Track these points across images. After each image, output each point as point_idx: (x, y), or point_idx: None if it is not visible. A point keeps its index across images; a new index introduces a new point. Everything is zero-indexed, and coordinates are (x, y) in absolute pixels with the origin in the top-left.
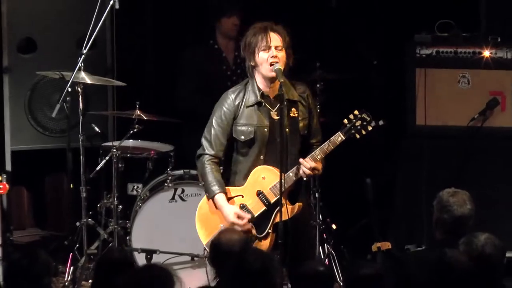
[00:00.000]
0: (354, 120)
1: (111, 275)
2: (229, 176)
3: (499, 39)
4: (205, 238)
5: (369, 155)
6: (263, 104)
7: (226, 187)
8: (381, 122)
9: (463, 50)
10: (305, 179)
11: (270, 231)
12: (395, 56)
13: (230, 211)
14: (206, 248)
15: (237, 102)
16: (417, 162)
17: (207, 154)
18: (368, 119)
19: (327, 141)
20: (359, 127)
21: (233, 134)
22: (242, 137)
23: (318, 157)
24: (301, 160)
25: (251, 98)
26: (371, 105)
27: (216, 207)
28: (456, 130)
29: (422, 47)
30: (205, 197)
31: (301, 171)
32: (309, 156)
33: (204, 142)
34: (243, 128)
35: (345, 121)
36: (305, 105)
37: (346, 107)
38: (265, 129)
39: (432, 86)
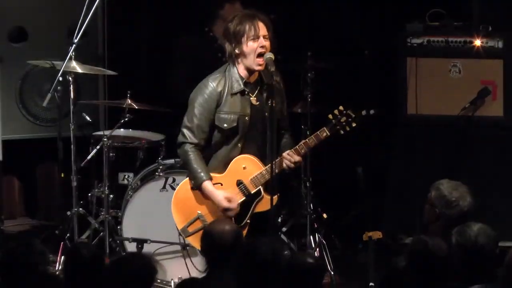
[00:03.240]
0: (339, 116)
1: (80, 272)
2: (206, 163)
3: (490, 28)
4: (180, 223)
5: (360, 144)
6: (246, 92)
7: None
8: (372, 112)
9: (454, 40)
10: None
11: (248, 221)
12: (386, 45)
13: (221, 197)
14: (181, 233)
15: (219, 90)
16: (408, 151)
17: (189, 143)
18: (353, 115)
19: (312, 136)
20: (344, 123)
21: (216, 122)
22: (225, 125)
23: (302, 151)
24: (284, 154)
25: (234, 86)
26: (362, 95)
27: (204, 194)
28: (447, 119)
29: (413, 36)
30: (182, 183)
31: (284, 165)
32: (292, 149)
33: (185, 130)
34: (226, 116)
35: (330, 116)
36: (279, 89)
37: (337, 96)
38: (247, 118)
39: (423, 75)
